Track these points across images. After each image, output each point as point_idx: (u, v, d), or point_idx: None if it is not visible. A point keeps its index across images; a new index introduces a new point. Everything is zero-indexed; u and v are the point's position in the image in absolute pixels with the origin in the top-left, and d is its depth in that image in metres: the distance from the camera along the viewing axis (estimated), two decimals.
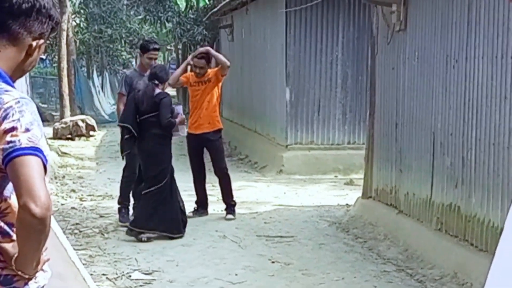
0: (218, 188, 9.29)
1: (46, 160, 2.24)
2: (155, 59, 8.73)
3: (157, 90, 7.98)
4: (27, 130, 2.20)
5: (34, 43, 2.41)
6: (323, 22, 12.85)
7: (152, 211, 7.89)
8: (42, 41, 2.44)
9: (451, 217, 6.78)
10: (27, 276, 2.32)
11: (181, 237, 7.98)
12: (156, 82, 7.99)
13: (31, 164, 2.17)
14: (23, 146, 2.17)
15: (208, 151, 9.15)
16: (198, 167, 9.15)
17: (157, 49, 8.86)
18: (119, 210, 8.60)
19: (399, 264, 7.00)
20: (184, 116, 8.39)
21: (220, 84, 9.13)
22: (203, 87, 9.04)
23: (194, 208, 9.12)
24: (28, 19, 2.38)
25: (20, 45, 2.39)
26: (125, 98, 8.39)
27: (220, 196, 9.30)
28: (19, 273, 2.30)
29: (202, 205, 9.18)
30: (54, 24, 2.47)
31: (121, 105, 8.45)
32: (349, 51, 12.91)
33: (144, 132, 7.99)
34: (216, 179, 9.24)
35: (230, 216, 9.01)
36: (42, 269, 2.40)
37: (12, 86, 2.35)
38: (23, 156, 2.16)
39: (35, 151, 2.19)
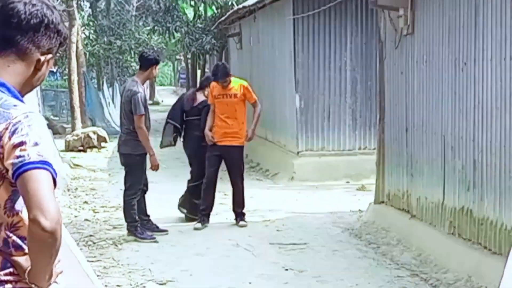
0: (229, 197, 9.33)
1: (56, 174, 2.25)
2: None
3: (201, 98, 9.40)
4: (36, 144, 2.21)
5: (42, 58, 2.43)
6: (331, 28, 12.86)
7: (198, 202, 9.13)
8: (50, 55, 2.46)
9: (464, 221, 6.76)
10: None
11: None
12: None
13: (40, 178, 2.18)
14: (32, 160, 2.19)
15: (227, 162, 9.18)
16: (212, 177, 9.10)
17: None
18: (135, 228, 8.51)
19: (413, 269, 6.98)
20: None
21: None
22: (227, 100, 9.06)
23: (201, 219, 9.07)
24: (36, 34, 2.40)
25: (29, 60, 2.41)
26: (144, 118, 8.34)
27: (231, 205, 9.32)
28: (33, 286, 2.32)
29: (208, 215, 9.15)
30: (62, 39, 2.50)
31: (143, 126, 8.32)
32: (357, 56, 12.92)
33: (188, 132, 9.41)
34: (228, 188, 9.26)
35: (243, 222, 9.05)
36: (55, 281, 2.41)
37: (21, 101, 2.37)
38: (32, 170, 2.18)
39: (44, 164, 2.20)
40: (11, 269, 2.32)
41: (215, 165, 9.13)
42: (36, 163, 2.19)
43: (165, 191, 10.67)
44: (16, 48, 2.39)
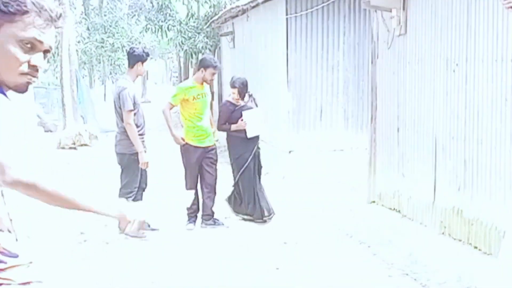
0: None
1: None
2: None
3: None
4: None
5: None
6: (324, 28, 12.88)
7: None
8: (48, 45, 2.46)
9: (455, 221, 6.79)
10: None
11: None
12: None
13: None
14: None
15: (205, 163, 8.97)
16: (196, 179, 8.99)
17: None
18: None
19: (403, 269, 7.00)
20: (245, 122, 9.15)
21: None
22: (205, 100, 8.94)
23: (193, 220, 9.04)
24: None
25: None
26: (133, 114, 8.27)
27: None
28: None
29: (195, 215, 9.08)
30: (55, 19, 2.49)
31: (132, 122, 8.25)
32: (350, 56, 12.94)
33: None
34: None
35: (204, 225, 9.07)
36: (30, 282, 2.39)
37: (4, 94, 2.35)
38: None
39: None
40: None
41: (198, 167, 8.97)
42: None
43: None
44: None
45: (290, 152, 12.92)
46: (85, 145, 18.16)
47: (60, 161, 14.94)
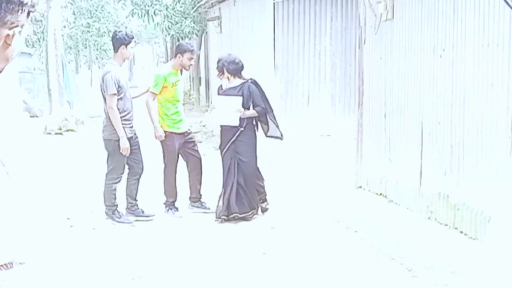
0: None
1: None
2: None
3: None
4: None
5: (10, 32, 2.39)
6: (311, 13, 12.85)
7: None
8: (19, 28, 2.42)
9: (441, 206, 6.82)
10: None
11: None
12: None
13: None
14: None
15: (187, 148, 8.93)
16: (176, 167, 8.96)
17: None
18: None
19: (390, 253, 7.02)
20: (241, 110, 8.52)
21: None
22: (180, 86, 8.93)
23: (170, 208, 8.97)
24: None
25: None
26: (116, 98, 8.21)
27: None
28: None
29: (174, 202, 9.03)
30: (30, 7, 2.44)
31: (114, 107, 8.17)
32: (337, 41, 12.93)
33: None
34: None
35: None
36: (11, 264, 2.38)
37: None
38: None
39: None
40: None
41: (178, 153, 8.98)
42: None
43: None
44: None
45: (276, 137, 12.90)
46: (72, 130, 18.10)
47: (46, 147, 14.87)
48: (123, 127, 8.20)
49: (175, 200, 8.96)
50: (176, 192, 8.96)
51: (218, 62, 8.73)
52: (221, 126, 8.76)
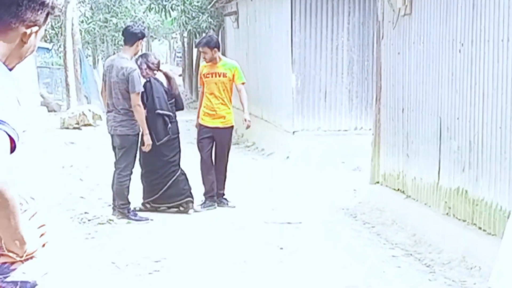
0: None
1: (17, 135, 2.19)
2: None
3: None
4: None
5: (28, 31, 2.39)
6: (328, 7, 12.81)
7: None
8: (37, 28, 2.42)
9: (459, 201, 6.78)
10: (19, 259, 2.31)
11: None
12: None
13: None
14: None
15: (216, 143, 9.04)
16: (208, 158, 9.01)
17: None
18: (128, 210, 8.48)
19: (407, 249, 7.01)
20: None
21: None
22: (216, 79, 8.97)
23: (202, 201, 9.03)
24: (19, 8, 2.34)
25: (13, 34, 2.35)
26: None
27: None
28: (11, 255, 2.29)
29: (211, 197, 9.06)
30: (49, 9, 2.44)
31: (141, 104, 8.21)
32: (354, 36, 12.88)
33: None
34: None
35: (231, 203, 9.10)
36: (33, 256, 2.36)
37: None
38: None
39: None
40: None
41: (209, 146, 9.04)
42: None
43: None
44: None
45: (294, 132, 12.90)
46: (89, 125, 18.14)
47: (64, 141, 14.94)
48: (137, 123, 8.22)
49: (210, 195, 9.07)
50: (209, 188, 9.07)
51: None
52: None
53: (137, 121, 8.21)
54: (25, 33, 2.39)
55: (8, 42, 2.35)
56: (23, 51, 2.43)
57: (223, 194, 9.18)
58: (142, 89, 8.24)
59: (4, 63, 2.35)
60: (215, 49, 8.89)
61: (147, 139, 8.31)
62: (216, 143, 9.06)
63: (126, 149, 8.28)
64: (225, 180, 9.20)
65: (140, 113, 8.19)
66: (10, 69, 2.39)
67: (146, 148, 8.36)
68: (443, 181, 7.16)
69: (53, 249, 2.52)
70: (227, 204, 9.11)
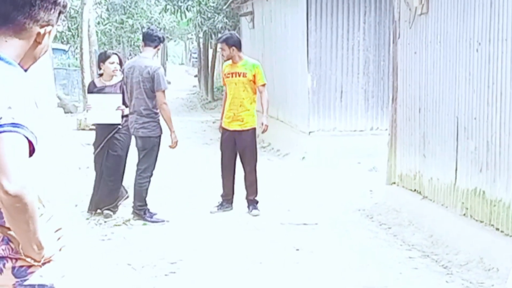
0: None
1: (36, 139, 2.19)
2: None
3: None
4: (9, 107, 2.16)
5: (42, 31, 2.40)
6: (344, 7, 12.77)
7: None
8: (50, 27, 2.42)
9: (476, 202, 6.72)
10: (37, 264, 2.30)
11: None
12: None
13: (9, 141, 2.13)
14: (2, 123, 2.13)
15: (238, 146, 8.83)
16: (228, 161, 8.88)
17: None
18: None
19: (424, 250, 6.96)
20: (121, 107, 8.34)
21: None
22: (236, 79, 8.76)
23: (219, 202, 8.97)
24: (32, 8, 2.35)
25: (27, 34, 2.36)
26: None
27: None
28: (28, 259, 2.29)
29: (229, 200, 8.97)
30: (61, 8, 2.45)
31: (166, 102, 8.29)
32: (370, 36, 12.83)
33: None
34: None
35: (256, 211, 8.75)
36: (50, 260, 2.36)
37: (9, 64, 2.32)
38: (1, 134, 2.13)
39: (16, 127, 2.14)
40: (9, 244, 2.29)
41: (230, 149, 8.86)
42: (6, 126, 2.13)
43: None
44: (13, 24, 2.34)
45: (309, 133, 12.87)
46: None
47: (81, 142, 14.98)
48: (159, 125, 8.23)
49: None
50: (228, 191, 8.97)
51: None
52: (98, 124, 8.66)
53: (159, 123, 8.20)
54: (39, 33, 2.40)
55: (23, 43, 2.36)
56: (37, 52, 2.44)
57: (256, 202, 8.87)
58: (167, 87, 8.26)
59: (19, 64, 2.35)
60: (234, 47, 8.70)
61: (174, 137, 8.30)
62: (238, 147, 8.84)
63: (148, 151, 8.26)
64: (256, 186, 8.88)
65: (167, 111, 8.21)
66: (25, 70, 2.39)
67: (173, 145, 8.35)
68: (460, 182, 7.11)
69: (70, 252, 2.52)
70: (255, 213, 8.74)
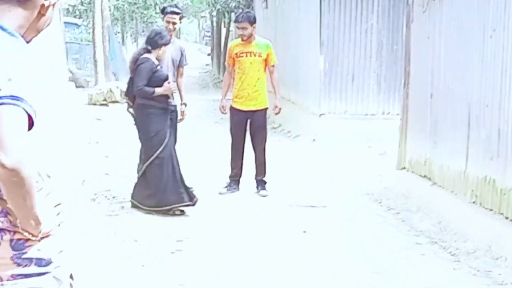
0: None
1: (34, 112, 2.17)
2: (174, 23, 8.31)
3: (143, 56, 7.65)
4: (9, 79, 2.13)
5: (46, 3, 2.38)
6: None
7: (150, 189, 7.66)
8: (54, 0, 2.41)
9: (486, 190, 6.68)
10: (34, 239, 2.30)
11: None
12: (149, 47, 7.70)
13: (7, 114, 2.10)
14: (0, 95, 2.11)
15: (251, 127, 8.80)
16: (239, 142, 8.81)
17: (175, 13, 8.32)
18: None
19: (432, 237, 6.94)
20: (171, 85, 7.78)
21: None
22: (251, 59, 8.68)
23: (227, 183, 8.95)
24: None
25: (31, 5, 2.35)
26: None
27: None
28: (26, 234, 2.28)
29: (237, 181, 8.93)
30: None
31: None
32: (384, 19, 12.74)
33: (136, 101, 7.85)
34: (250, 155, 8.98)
35: (264, 191, 8.74)
36: (49, 235, 2.35)
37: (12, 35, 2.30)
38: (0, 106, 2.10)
39: (15, 100, 2.11)
40: (7, 217, 2.28)
41: (242, 130, 8.80)
42: (5, 98, 2.11)
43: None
44: None
45: (320, 115, 12.83)
46: (117, 101, 18.19)
47: (91, 117, 15.00)
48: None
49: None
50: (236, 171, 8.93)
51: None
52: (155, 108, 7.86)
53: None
54: (43, 5, 2.38)
55: (27, 13, 2.34)
56: (40, 24, 2.42)
57: (265, 182, 8.85)
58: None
59: (22, 36, 2.33)
60: (254, 25, 8.65)
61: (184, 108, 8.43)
62: (251, 127, 8.80)
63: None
64: (265, 166, 8.85)
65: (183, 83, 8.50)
66: (28, 42, 2.37)
67: (183, 116, 8.40)
68: (470, 169, 7.07)
69: (69, 227, 2.51)
70: (264, 193, 8.71)
